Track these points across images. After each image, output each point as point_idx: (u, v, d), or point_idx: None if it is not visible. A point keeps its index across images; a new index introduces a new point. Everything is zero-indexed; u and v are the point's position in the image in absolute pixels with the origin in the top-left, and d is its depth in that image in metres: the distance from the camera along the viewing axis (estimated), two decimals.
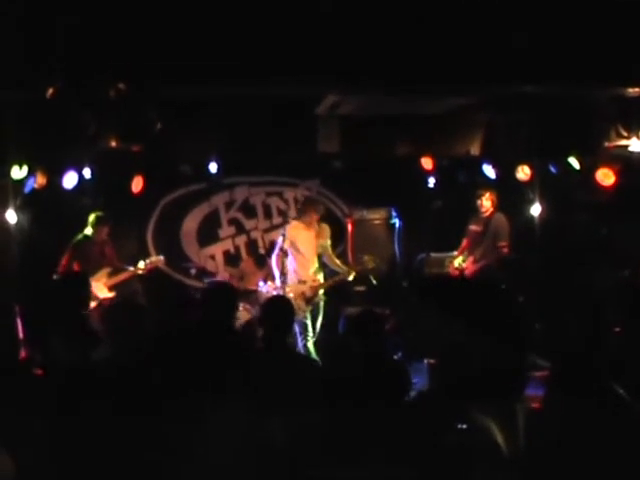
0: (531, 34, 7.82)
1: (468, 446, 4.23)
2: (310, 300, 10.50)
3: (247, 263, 12.53)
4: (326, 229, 10.97)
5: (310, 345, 10.40)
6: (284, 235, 10.79)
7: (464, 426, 4.22)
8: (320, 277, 10.76)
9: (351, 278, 10.93)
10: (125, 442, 4.82)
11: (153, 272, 11.33)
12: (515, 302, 6.33)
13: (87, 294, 7.70)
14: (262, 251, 12.94)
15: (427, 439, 4.34)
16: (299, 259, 10.69)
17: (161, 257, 11.51)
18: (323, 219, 10.97)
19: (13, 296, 10.08)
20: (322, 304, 10.72)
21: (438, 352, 4.95)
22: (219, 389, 5.36)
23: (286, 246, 10.68)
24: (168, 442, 4.84)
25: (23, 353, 8.88)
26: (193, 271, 12.69)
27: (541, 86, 8.60)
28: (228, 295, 6.89)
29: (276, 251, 10.85)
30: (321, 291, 10.71)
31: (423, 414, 4.54)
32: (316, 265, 10.73)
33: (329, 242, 10.97)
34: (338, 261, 11.04)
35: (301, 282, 10.54)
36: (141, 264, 10.97)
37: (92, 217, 10.78)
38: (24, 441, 4.78)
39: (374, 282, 11.28)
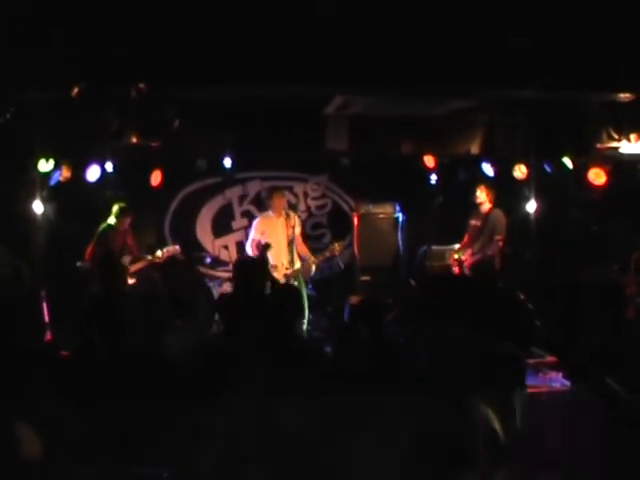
0: (530, 42, 7.82)
1: (466, 433, 4.26)
2: None
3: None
4: (294, 218, 11.15)
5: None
6: (254, 227, 11.16)
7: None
8: (297, 265, 10.85)
9: (314, 269, 11.10)
10: (142, 424, 4.83)
11: (169, 260, 11.35)
12: (515, 299, 6.32)
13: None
14: None
15: (427, 425, 4.36)
16: (272, 247, 10.78)
17: (177, 246, 11.50)
18: (331, 213, 11.09)
19: (39, 281, 10.12)
20: (303, 292, 10.75)
21: (439, 344, 4.99)
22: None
23: (257, 237, 10.96)
24: (183, 425, 4.85)
25: (49, 335, 8.94)
26: (208, 260, 12.72)
27: (538, 91, 8.60)
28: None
29: (249, 242, 11.16)
30: (293, 279, 10.80)
31: (424, 401, 4.56)
32: (289, 253, 10.83)
33: (299, 230, 11.16)
34: (307, 250, 11.18)
35: (274, 269, 10.56)
36: (159, 253, 10.98)
37: (116, 208, 10.77)
38: (50, 422, 4.80)
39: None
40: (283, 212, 11.01)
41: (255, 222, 11.39)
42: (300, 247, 11.07)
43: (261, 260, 7.92)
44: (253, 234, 11.16)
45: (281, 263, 10.77)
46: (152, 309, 6.16)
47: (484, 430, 4.36)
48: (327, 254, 11.27)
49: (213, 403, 4.93)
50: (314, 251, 11.35)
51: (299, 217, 11.73)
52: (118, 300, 7.07)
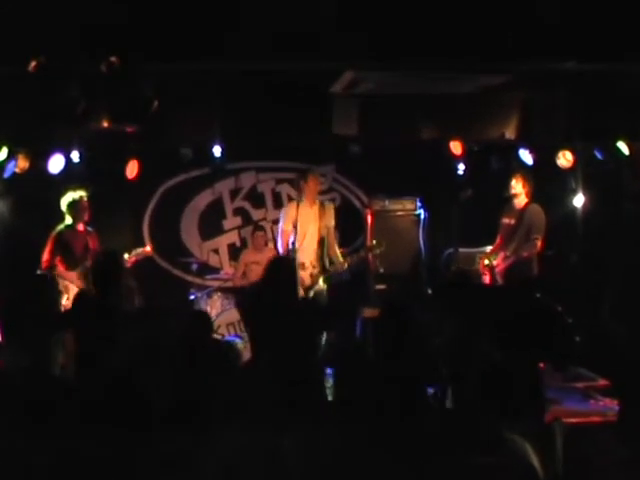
0: (573, 3, 7.72)
1: (500, 470, 4.16)
2: (309, 288, 10.52)
3: (248, 253, 12.44)
4: (330, 209, 11.12)
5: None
6: (284, 215, 11.01)
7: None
8: (326, 264, 10.80)
9: (345, 267, 11.03)
10: (108, 460, 4.74)
11: (140, 263, 11.14)
12: (552, 312, 6.25)
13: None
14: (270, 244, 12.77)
15: (454, 462, 4.25)
16: (300, 242, 10.72)
17: (147, 247, 11.30)
18: (339, 210, 11.07)
19: None
20: (325, 294, 10.72)
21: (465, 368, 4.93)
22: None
23: (288, 227, 10.80)
24: (165, 461, 4.77)
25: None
26: (195, 267, 12.62)
27: (584, 62, 8.51)
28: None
29: (279, 234, 11.04)
30: (321, 280, 10.73)
31: (450, 434, 4.47)
32: (320, 249, 10.74)
33: (333, 223, 11.07)
34: (337, 249, 11.11)
35: (300, 267, 10.46)
36: (125, 256, 10.70)
37: (65, 202, 10.52)
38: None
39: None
40: (317, 200, 10.97)
41: (284, 209, 11.32)
42: (332, 244, 11.02)
43: (292, 260, 7.93)
44: (282, 224, 11.06)
45: (309, 261, 10.71)
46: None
47: (521, 467, 4.26)
48: (363, 254, 11.29)
49: (201, 432, 4.87)
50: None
51: (335, 207, 11.64)
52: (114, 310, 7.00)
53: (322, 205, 10.98)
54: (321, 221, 10.80)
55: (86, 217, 10.59)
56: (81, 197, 10.54)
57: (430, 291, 10.76)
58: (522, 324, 5.44)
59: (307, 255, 10.66)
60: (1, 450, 4.72)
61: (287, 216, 10.94)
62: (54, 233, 10.41)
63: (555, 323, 5.91)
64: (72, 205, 10.49)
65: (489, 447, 4.33)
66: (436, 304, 7.78)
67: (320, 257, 10.77)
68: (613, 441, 6.03)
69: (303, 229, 10.73)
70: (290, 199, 12.18)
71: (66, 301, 9.97)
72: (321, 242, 10.77)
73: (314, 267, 10.66)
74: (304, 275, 10.46)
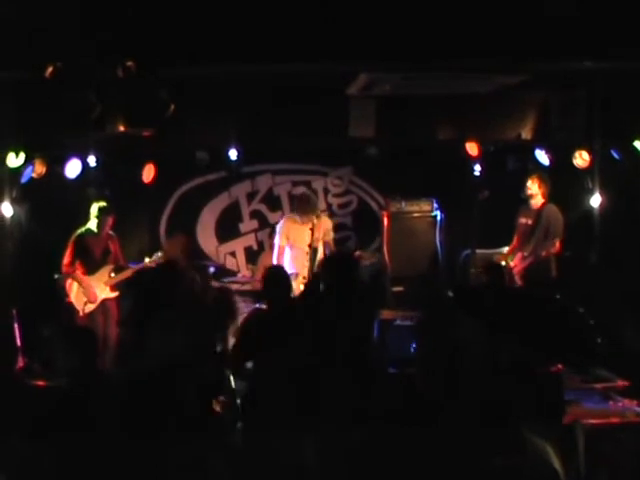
0: (591, 1, 7.68)
1: (522, 472, 4.15)
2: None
3: (267, 256, 12.45)
4: (327, 222, 11.39)
5: None
6: (279, 231, 11.29)
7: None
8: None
9: None
10: (138, 464, 4.75)
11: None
12: (574, 313, 6.22)
13: None
14: None
15: (476, 464, 4.24)
16: (293, 253, 11.06)
17: None
18: (356, 212, 11.08)
19: (10, 299, 10.04)
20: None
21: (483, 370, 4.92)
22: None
23: (283, 243, 11.15)
24: (189, 466, 4.78)
25: (21, 362, 8.89)
26: (211, 270, 12.60)
27: (601, 61, 8.46)
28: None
29: (275, 249, 11.29)
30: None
31: (468, 437, 4.46)
32: (310, 260, 10.90)
33: (332, 235, 11.40)
34: None
35: (293, 275, 10.53)
36: (147, 260, 10.86)
37: (95, 208, 10.60)
38: (19, 461, 4.73)
39: None
40: (312, 219, 11.05)
41: (279, 225, 11.50)
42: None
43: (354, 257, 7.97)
44: (279, 240, 11.29)
45: (302, 272, 10.89)
46: None
47: (542, 469, 4.25)
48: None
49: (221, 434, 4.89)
50: None
51: (332, 220, 11.89)
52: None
53: (318, 217, 11.11)
54: (314, 232, 10.91)
55: (107, 230, 10.62)
56: (111, 210, 10.62)
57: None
58: (544, 326, 5.42)
59: (300, 264, 10.91)
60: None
61: (282, 232, 11.21)
62: (75, 237, 10.49)
63: (578, 325, 5.88)
64: (102, 212, 10.56)
65: (511, 449, 4.32)
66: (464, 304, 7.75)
67: (310, 267, 10.82)
68: (635, 442, 6.02)
69: (296, 242, 11.02)
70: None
71: (85, 305, 10.09)
72: (313, 253, 10.88)
73: (304, 277, 10.80)
74: (295, 286, 10.49)
